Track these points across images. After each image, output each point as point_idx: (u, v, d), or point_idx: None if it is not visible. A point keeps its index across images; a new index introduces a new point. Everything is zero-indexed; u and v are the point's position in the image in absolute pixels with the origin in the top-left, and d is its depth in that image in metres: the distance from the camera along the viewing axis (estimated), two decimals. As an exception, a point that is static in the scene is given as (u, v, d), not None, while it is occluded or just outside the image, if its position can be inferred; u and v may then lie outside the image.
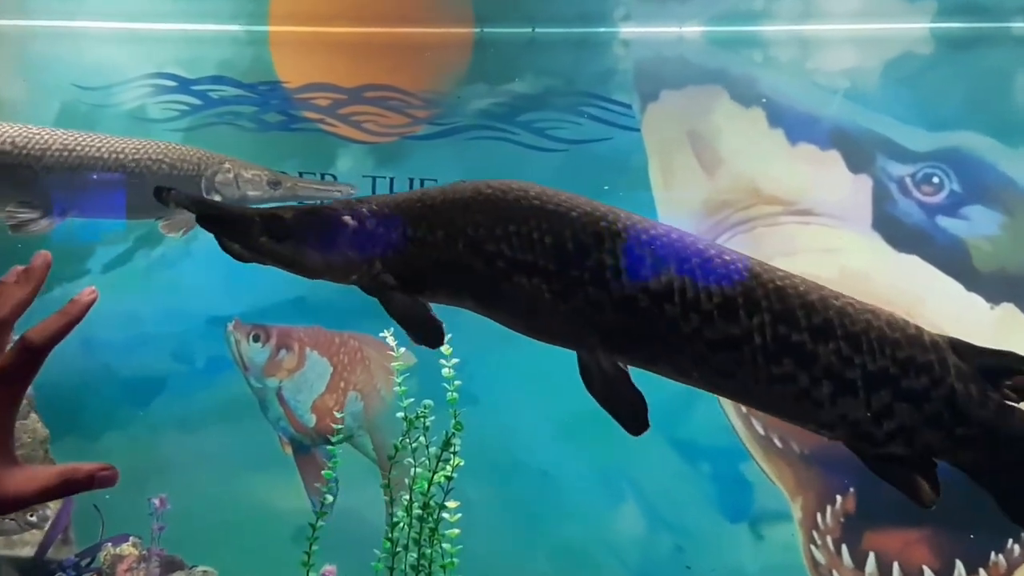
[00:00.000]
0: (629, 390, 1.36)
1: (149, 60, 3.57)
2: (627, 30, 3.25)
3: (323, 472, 3.56)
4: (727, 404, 3.27)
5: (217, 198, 3.05)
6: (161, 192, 1.39)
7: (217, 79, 3.53)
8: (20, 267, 1.05)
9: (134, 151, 3.02)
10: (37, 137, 2.96)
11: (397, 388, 2.49)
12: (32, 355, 0.98)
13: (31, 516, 3.04)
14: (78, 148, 2.98)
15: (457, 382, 2.45)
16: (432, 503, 2.46)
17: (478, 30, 3.35)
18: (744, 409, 3.24)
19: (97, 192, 3.00)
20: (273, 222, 1.43)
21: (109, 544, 3.19)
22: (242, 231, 1.43)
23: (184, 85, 3.54)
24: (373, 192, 3.35)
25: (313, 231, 1.45)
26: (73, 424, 3.53)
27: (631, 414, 1.37)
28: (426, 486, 2.45)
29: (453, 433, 2.44)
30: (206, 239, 3.33)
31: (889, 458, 1.36)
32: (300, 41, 3.51)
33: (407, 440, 2.47)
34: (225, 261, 3.49)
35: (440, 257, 1.38)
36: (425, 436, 2.46)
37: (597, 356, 1.35)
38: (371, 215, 1.43)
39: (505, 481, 3.34)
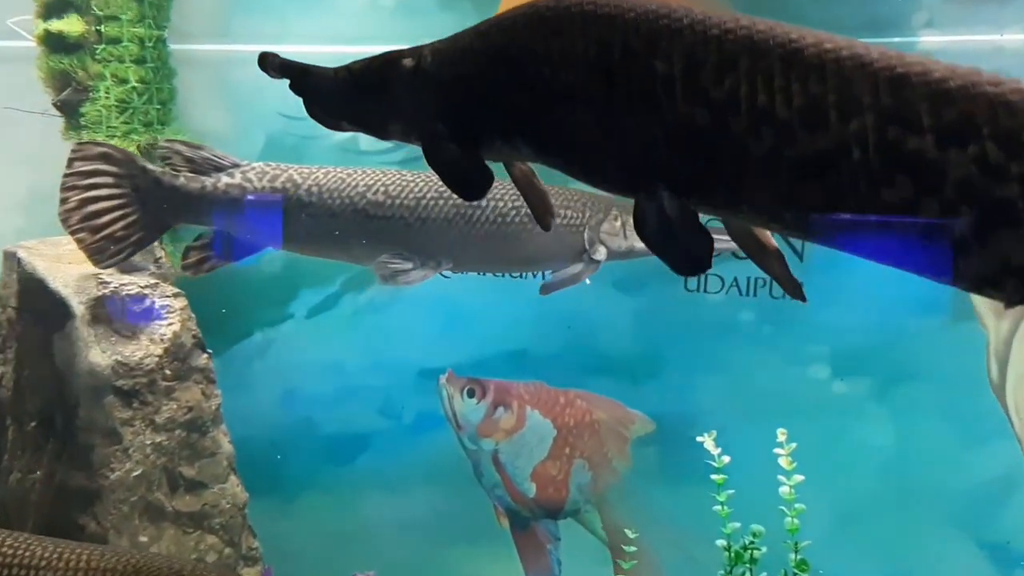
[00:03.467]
0: (691, 234, 1.17)
1: (362, 87, 3.25)
2: (929, 39, 2.72)
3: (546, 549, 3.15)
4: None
5: (602, 250, 2.69)
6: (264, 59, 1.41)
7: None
8: None
9: (514, 197, 2.68)
10: (411, 185, 2.70)
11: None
12: None
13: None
14: (454, 196, 2.69)
15: (792, 502, 1.96)
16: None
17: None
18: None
19: (474, 243, 2.70)
20: (344, 73, 1.38)
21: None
22: (322, 89, 1.38)
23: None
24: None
25: (376, 75, 1.38)
26: (272, 484, 3.24)
27: (686, 259, 1.20)
28: None
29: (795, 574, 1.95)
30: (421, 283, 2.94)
31: None
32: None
33: None
34: (440, 308, 3.08)
35: (485, 89, 1.25)
36: (751, 573, 1.99)
37: (660, 200, 1.15)
38: (430, 54, 1.34)
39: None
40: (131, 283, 2.54)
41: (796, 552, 2.01)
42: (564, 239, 2.67)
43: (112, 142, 2.76)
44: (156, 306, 2.55)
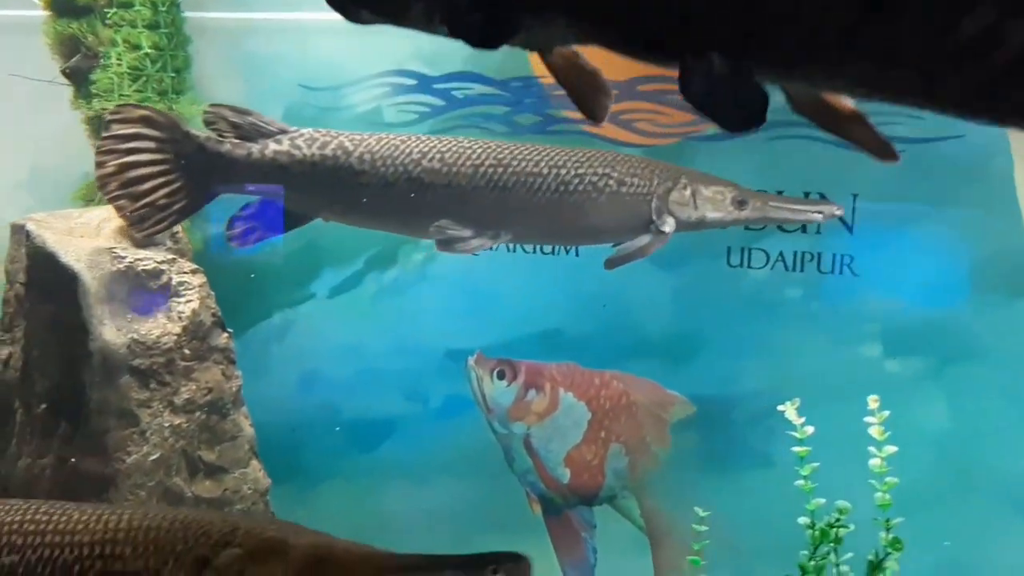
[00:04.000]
0: (745, 89, 0.99)
1: (384, 56, 3.11)
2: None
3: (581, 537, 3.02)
4: None
5: (671, 221, 2.53)
6: None
7: (463, 76, 3.03)
8: None
9: (576, 164, 2.54)
10: (468, 151, 2.56)
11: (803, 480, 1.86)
12: None
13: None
14: (513, 163, 2.54)
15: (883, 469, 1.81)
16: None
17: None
18: None
19: (534, 213, 2.54)
20: None
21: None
22: None
23: (425, 83, 3.06)
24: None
25: None
26: (292, 470, 3.11)
27: (738, 114, 1.01)
28: None
29: (888, 553, 1.81)
30: (446, 261, 2.80)
31: None
32: (559, 28, 2.98)
33: (812, 559, 1.86)
34: (469, 287, 2.93)
35: None
36: (836, 553, 1.85)
37: (710, 59, 0.99)
38: None
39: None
40: (147, 258, 2.40)
41: (888, 530, 1.86)
42: (630, 209, 2.52)
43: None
44: (173, 282, 2.41)
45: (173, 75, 2.80)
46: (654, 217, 2.52)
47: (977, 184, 2.50)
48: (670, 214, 2.52)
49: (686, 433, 2.89)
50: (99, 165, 2.38)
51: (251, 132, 2.51)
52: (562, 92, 3.33)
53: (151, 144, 2.41)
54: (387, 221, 2.66)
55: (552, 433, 2.99)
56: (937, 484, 2.73)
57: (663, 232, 2.52)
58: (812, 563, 1.87)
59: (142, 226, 2.41)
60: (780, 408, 2.07)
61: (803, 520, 1.95)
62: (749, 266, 2.85)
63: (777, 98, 2.89)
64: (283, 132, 2.53)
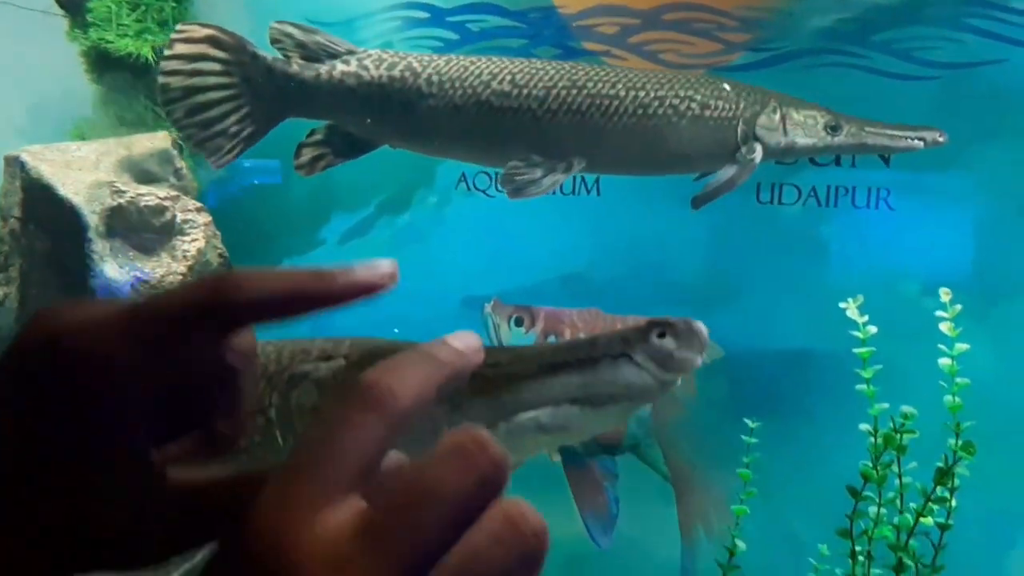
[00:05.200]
0: None
1: (395, -12, 2.97)
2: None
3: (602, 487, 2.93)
4: None
5: (758, 148, 2.35)
6: None
7: (478, 7, 2.89)
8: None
9: (656, 87, 2.37)
10: (541, 73, 2.39)
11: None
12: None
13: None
14: (589, 85, 2.38)
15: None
16: (914, 564, 1.73)
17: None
18: None
19: (610, 139, 2.37)
20: None
21: None
22: None
23: (438, 16, 2.92)
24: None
25: None
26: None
27: None
28: (894, 537, 1.71)
29: (958, 458, 1.70)
30: (462, 204, 2.66)
31: None
32: (579, -46, 2.83)
33: (874, 465, 1.74)
34: (487, 230, 2.78)
35: None
36: (899, 462, 1.73)
37: None
38: None
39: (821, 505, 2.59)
40: (149, 193, 2.27)
41: (958, 436, 1.74)
42: (713, 135, 2.36)
43: (123, 43, 2.48)
44: (178, 220, 2.29)
45: (174, 4, 2.66)
46: (740, 144, 2.36)
47: (1021, 112, 2.35)
48: (757, 140, 2.36)
49: (715, 379, 2.77)
50: (163, 88, 2.23)
51: (318, 52, 2.37)
52: (583, 22, 3.17)
53: (217, 67, 2.27)
54: (455, 148, 2.54)
55: (574, 381, 2.88)
56: (983, 429, 2.61)
57: (750, 160, 2.35)
58: (875, 472, 1.74)
59: (212, 155, 2.28)
60: (842, 305, 1.93)
61: (864, 427, 1.82)
62: (780, 202, 2.71)
63: (813, 23, 2.75)
64: (351, 52, 2.40)
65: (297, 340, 1.27)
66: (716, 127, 2.36)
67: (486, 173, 2.89)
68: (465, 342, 0.52)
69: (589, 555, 2.71)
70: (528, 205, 2.91)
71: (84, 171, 2.24)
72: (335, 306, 0.55)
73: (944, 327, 1.80)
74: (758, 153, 2.35)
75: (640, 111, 2.34)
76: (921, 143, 2.32)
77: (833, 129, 2.34)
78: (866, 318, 1.89)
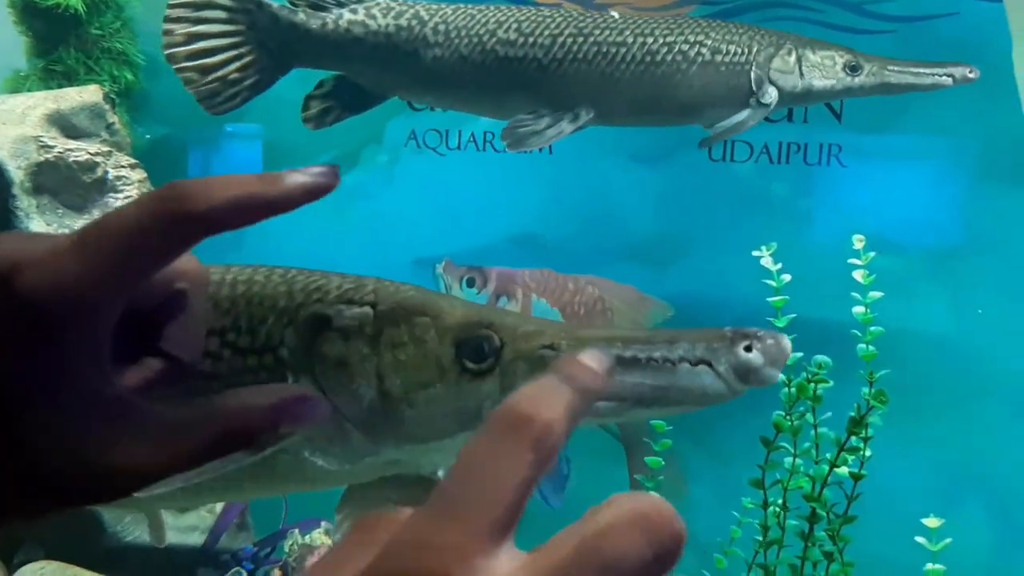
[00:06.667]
0: None
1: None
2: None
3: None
4: None
5: (772, 92, 2.25)
6: None
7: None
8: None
9: (665, 32, 2.27)
10: (548, 21, 2.31)
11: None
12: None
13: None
14: (596, 32, 2.28)
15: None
16: (826, 513, 1.71)
17: None
18: None
19: (618, 88, 2.27)
20: None
21: (296, 531, 2.56)
22: None
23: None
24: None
25: None
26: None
27: None
28: (811, 487, 1.69)
29: (869, 409, 1.67)
30: (412, 162, 2.60)
31: None
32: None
33: (789, 417, 1.72)
34: (438, 189, 2.73)
35: None
36: (814, 412, 1.71)
37: None
38: None
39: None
40: (79, 148, 2.20)
41: (871, 385, 1.71)
42: (726, 80, 2.26)
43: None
44: (110, 176, 2.21)
45: (106, -45, 2.56)
46: (754, 88, 2.26)
47: (974, 65, 2.31)
48: (772, 84, 2.25)
49: (666, 338, 2.75)
50: (167, 33, 2.18)
51: (325, 1, 2.29)
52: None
53: (222, 14, 2.21)
54: (462, 98, 2.46)
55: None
56: (935, 386, 2.60)
57: (764, 104, 2.26)
58: (788, 422, 1.72)
59: (212, 102, 2.22)
60: (756, 253, 1.90)
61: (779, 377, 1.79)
62: (732, 159, 2.68)
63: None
64: (358, 1, 2.32)
65: (304, 270, 1.21)
66: (728, 72, 2.27)
67: (436, 131, 2.84)
68: (601, 363, 0.49)
69: (541, 514, 2.67)
70: (479, 163, 2.86)
71: (9, 125, 2.15)
72: (284, 209, 0.54)
73: (858, 275, 1.77)
74: (773, 98, 2.27)
75: (648, 58, 2.26)
76: (950, 80, 2.21)
77: (853, 69, 2.24)
78: (780, 266, 1.85)
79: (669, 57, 2.27)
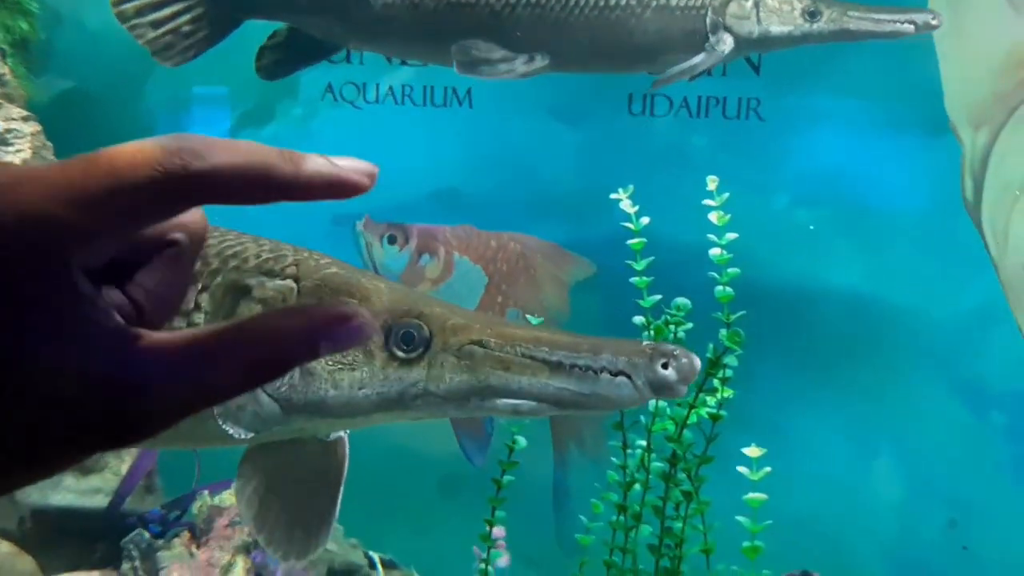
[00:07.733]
0: None
1: None
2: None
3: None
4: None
5: (727, 38, 2.22)
6: None
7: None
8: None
9: None
10: None
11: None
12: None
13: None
14: None
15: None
16: (686, 455, 1.71)
17: None
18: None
19: (572, 33, 2.24)
20: None
21: (205, 492, 2.50)
22: None
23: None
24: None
25: None
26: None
27: None
28: (674, 429, 1.69)
29: (725, 350, 1.67)
30: (328, 116, 2.53)
31: None
32: None
33: None
34: (354, 143, 2.66)
35: None
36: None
37: None
38: None
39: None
40: (-35, 100, 2.10)
41: (729, 326, 1.70)
42: (681, 25, 2.24)
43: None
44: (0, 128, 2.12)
45: None
46: (709, 34, 2.24)
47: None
48: (727, 30, 2.23)
49: (588, 296, 2.73)
50: None
51: None
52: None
53: None
54: (414, 47, 2.44)
55: (447, 300, 2.80)
56: (849, 337, 2.62)
57: (719, 51, 2.23)
58: None
59: (166, 55, 2.19)
60: (613, 196, 1.89)
61: (638, 319, 1.78)
62: (652, 114, 2.65)
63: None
64: None
65: (218, 228, 1.17)
66: (683, 17, 2.25)
67: (354, 84, 2.76)
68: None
69: (464, 474, 2.67)
70: (398, 117, 2.80)
71: None
72: (298, 197, 0.47)
73: (713, 216, 1.76)
74: (728, 44, 2.24)
75: (602, 3, 2.23)
76: (912, 27, 2.18)
77: (811, 15, 2.22)
78: (636, 208, 1.84)
79: (624, 1, 2.24)
